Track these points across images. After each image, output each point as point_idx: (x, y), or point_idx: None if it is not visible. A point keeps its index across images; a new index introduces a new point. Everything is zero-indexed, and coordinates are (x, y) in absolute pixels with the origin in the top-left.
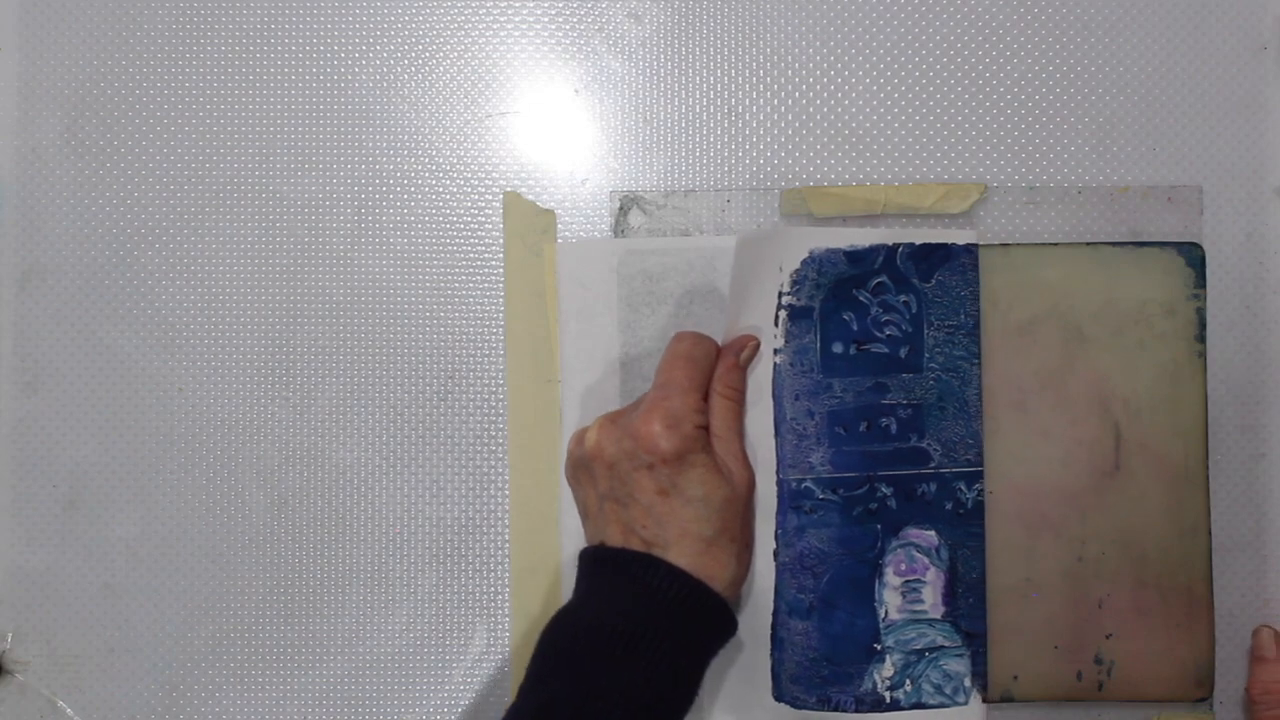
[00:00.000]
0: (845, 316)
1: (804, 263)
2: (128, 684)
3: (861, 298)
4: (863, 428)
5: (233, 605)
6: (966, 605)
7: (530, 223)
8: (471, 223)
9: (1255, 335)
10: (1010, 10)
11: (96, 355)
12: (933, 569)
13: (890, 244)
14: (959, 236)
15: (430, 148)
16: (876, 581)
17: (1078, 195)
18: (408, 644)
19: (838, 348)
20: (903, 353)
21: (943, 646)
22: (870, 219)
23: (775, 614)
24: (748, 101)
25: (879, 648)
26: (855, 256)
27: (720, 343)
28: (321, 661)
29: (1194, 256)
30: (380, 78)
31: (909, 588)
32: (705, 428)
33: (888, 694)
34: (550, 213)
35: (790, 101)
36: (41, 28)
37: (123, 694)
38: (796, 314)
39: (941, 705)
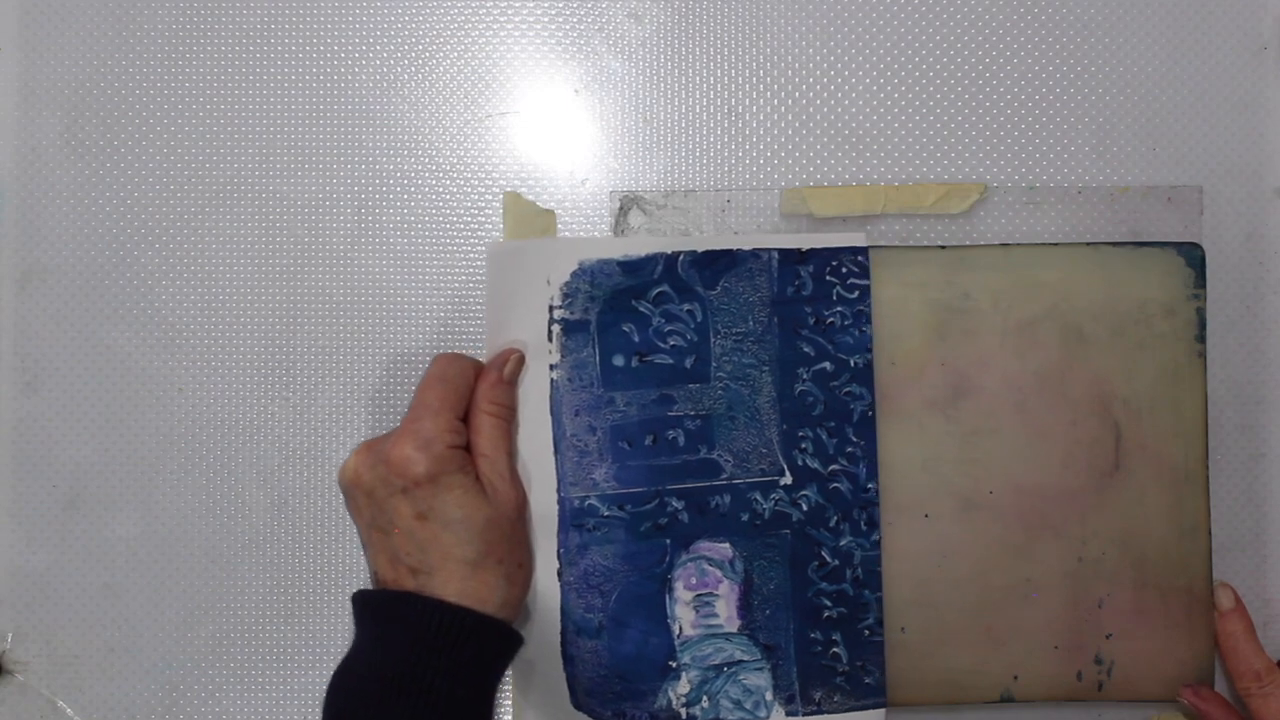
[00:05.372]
0: (625, 328)
1: (574, 274)
2: (128, 684)
3: (642, 308)
4: (648, 441)
5: (233, 605)
6: (764, 617)
7: (530, 223)
8: (471, 223)
9: (1255, 335)
10: (1010, 10)
11: (96, 355)
12: (725, 582)
13: (670, 252)
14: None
15: (430, 148)
16: (666, 597)
17: (1078, 195)
18: None
19: (618, 360)
20: (688, 363)
21: (741, 660)
22: (870, 219)
23: (564, 633)
24: (748, 101)
25: (675, 665)
26: (630, 266)
27: (485, 359)
28: (321, 661)
29: (1194, 256)
30: (380, 78)
31: (700, 602)
32: (462, 448)
33: (684, 710)
34: (550, 213)
35: (790, 101)
36: (41, 28)
37: (123, 694)
38: (571, 328)
39: None
